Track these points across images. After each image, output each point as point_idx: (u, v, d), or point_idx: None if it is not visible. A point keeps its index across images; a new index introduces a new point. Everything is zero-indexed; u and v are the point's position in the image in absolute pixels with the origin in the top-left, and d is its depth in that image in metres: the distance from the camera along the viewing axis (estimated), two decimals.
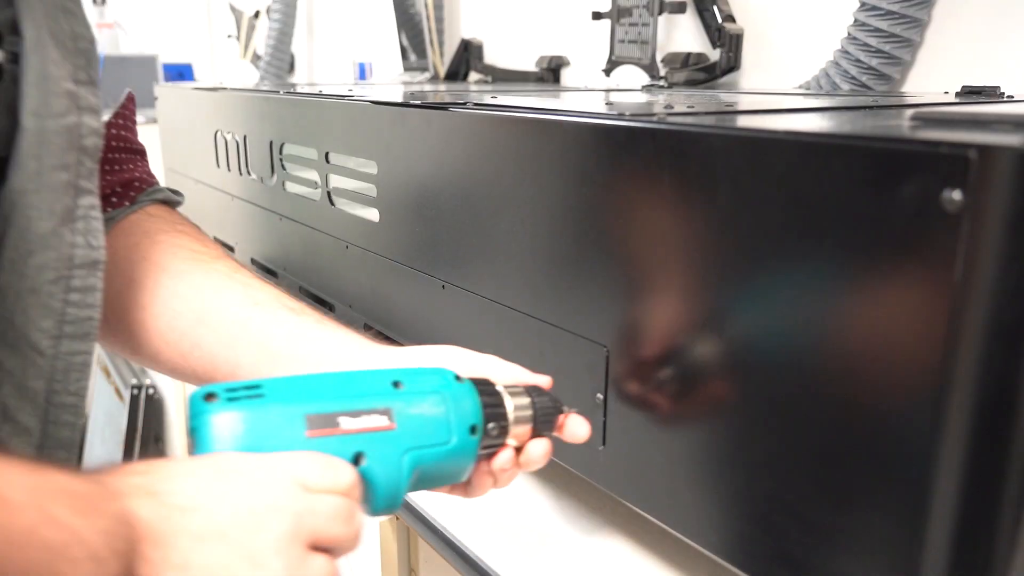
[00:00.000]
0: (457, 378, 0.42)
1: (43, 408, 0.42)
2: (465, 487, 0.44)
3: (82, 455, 0.47)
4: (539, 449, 0.44)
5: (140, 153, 0.60)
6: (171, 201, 0.60)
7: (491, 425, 0.42)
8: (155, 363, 0.54)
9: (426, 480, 0.40)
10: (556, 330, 0.52)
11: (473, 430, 0.41)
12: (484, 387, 0.43)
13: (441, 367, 0.42)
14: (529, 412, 0.43)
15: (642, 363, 0.46)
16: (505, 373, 0.46)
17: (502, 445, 0.43)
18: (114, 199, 0.56)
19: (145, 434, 1.56)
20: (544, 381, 0.46)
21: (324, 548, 0.35)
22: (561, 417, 0.45)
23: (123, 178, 0.57)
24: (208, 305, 0.52)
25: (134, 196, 0.57)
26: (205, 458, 0.35)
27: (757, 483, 0.40)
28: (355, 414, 0.38)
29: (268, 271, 1.00)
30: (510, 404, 0.43)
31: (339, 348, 0.49)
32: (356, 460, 0.38)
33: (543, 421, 0.44)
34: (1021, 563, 0.33)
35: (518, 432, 0.43)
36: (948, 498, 0.32)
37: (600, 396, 0.49)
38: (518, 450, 0.44)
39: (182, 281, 0.53)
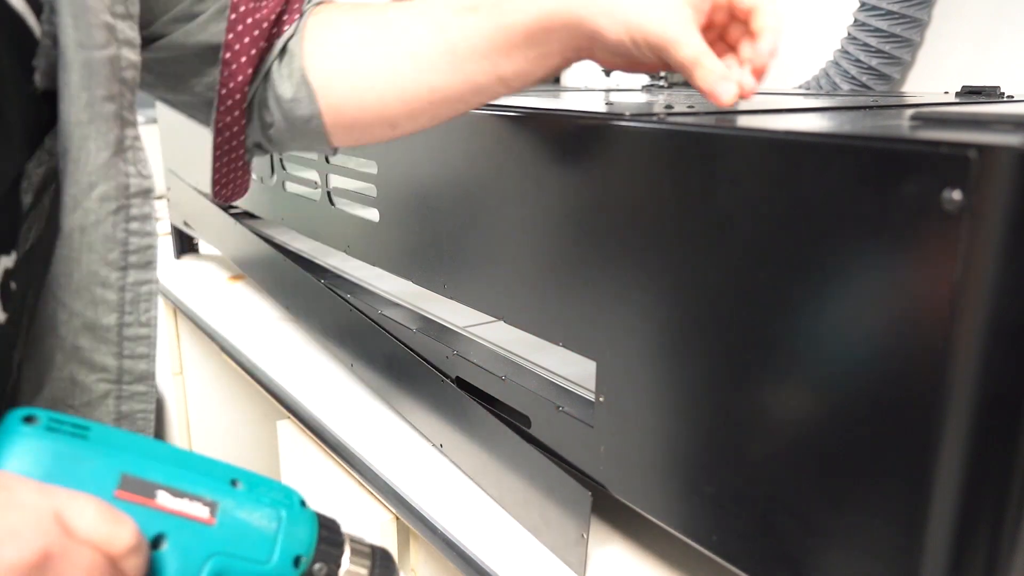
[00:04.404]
0: (303, 504, 0.38)
1: (117, 343, 0.43)
2: None
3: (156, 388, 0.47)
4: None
5: None
6: None
7: (318, 566, 0.38)
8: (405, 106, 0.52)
9: None
10: (554, 330, 0.52)
11: (297, 562, 0.36)
12: (329, 526, 0.39)
13: (293, 490, 0.38)
14: (365, 572, 0.40)
15: (641, 365, 0.46)
16: None
17: None
18: (285, 16, 0.54)
19: None
20: None
21: None
22: None
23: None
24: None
25: (298, 7, 0.55)
26: None
27: (757, 483, 0.40)
28: (177, 493, 0.34)
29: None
30: (347, 556, 0.39)
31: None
32: (155, 542, 0.33)
33: None
34: (1021, 564, 0.33)
35: None
36: (948, 499, 0.32)
37: (601, 398, 0.49)
38: None
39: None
